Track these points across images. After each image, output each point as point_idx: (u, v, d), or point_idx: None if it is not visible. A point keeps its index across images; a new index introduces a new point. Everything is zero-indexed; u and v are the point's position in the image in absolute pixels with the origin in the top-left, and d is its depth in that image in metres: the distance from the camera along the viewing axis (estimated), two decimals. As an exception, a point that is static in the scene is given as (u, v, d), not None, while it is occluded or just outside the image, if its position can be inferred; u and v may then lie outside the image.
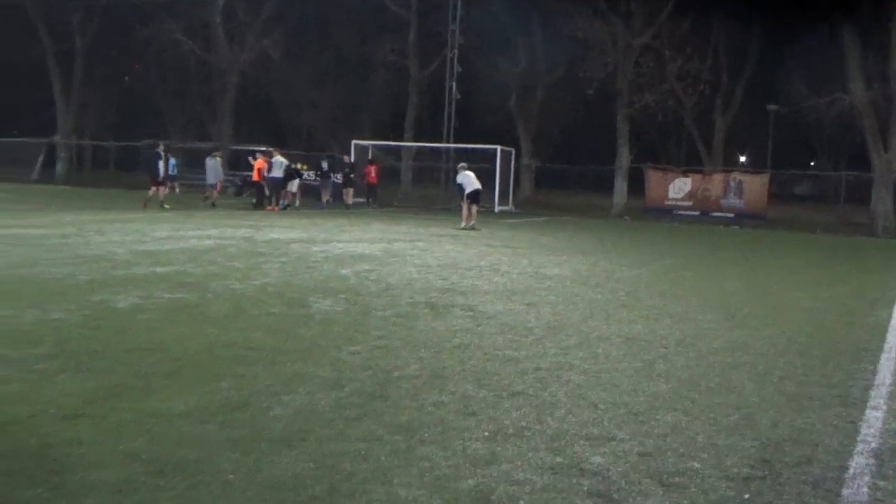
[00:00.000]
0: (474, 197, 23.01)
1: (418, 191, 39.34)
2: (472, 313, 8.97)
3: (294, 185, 28.78)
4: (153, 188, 25.55)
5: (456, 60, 37.86)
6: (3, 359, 6.08)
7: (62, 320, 7.53)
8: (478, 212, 23.52)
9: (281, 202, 28.11)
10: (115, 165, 51.07)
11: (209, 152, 30.61)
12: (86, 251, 12.90)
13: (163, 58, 47.66)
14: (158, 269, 11.17)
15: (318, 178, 32.41)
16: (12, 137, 42.96)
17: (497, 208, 32.57)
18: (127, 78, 52.10)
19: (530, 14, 40.23)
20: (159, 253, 13.14)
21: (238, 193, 35.47)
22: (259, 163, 28.51)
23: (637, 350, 7.53)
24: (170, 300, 8.86)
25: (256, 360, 6.39)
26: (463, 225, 22.69)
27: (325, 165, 31.87)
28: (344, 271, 11.99)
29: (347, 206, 30.81)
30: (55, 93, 46.31)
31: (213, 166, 28.38)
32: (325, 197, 31.08)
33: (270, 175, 28.05)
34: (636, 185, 36.29)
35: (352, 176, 32.25)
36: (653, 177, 35.21)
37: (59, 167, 45.04)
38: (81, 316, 7.76)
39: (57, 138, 44.70)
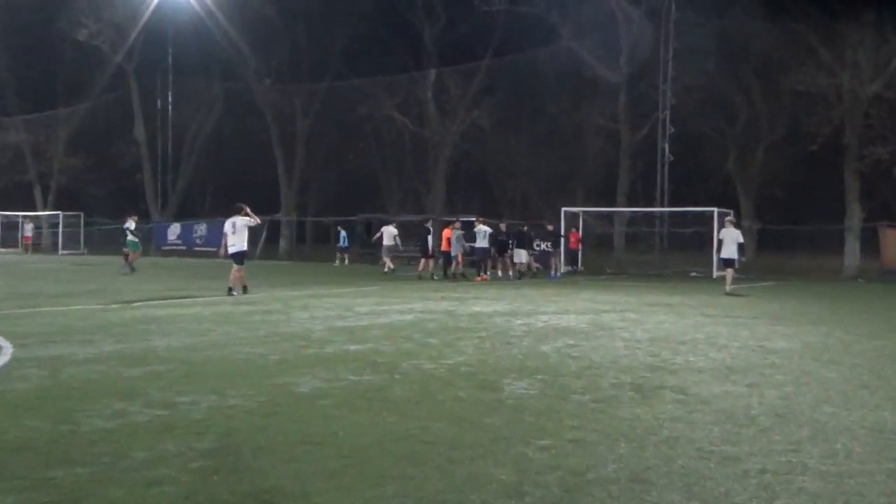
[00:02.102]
0: (725, 261, 22.86)
1: (632, 257, 38.00)
2: (683, 397, 7.89)
3: (523, 256, 28.80)
4: (423, 261, 28.22)
5: (668, 122, 36.54)
6: (162, 455, 5.62)
7: (236, 407, 7.09)
8: (730, 279, 22.97)
9: (501, 273, 28.27)
10: (334, 240, 52.71)
11: (421, 224, 31.03)
12: (285, 328, 12.72)
13: (379, 134, 49.13)
14: (351, 348, 10.74)
15: (549, 247, 31.78)
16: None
17: (716, 273, 30.77)
18: (351, 157, 53.96)
19: (746, 70, 38.46)
20: (356, 329, 12.79)
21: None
22: (447, 232, 28.66)
23: (886, 445, 6.24)
24: (354, 383, 8.30)
25: (430, 458, 5.64)
26: (727, 289, 22.44)
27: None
28: (544, 347, 11.15)
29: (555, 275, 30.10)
30: (279, 173, 48.51)
31: (458, 238, 28.65)
32: (554, 268, 30.49)
33: (478, 245, 27.89)
34: (870, 244, 33.47)
35: (560, 240, 31.56)
36: (890, 235, 32.32)
37: (282, 243, 46.89)
38: (258, 402, 7.31)
39: (280, 216, 46.58)
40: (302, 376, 8.56)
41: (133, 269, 27.64)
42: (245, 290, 18.91)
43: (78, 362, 9.25)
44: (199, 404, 7.18)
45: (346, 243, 38.60)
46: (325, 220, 47.70)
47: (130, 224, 29.41)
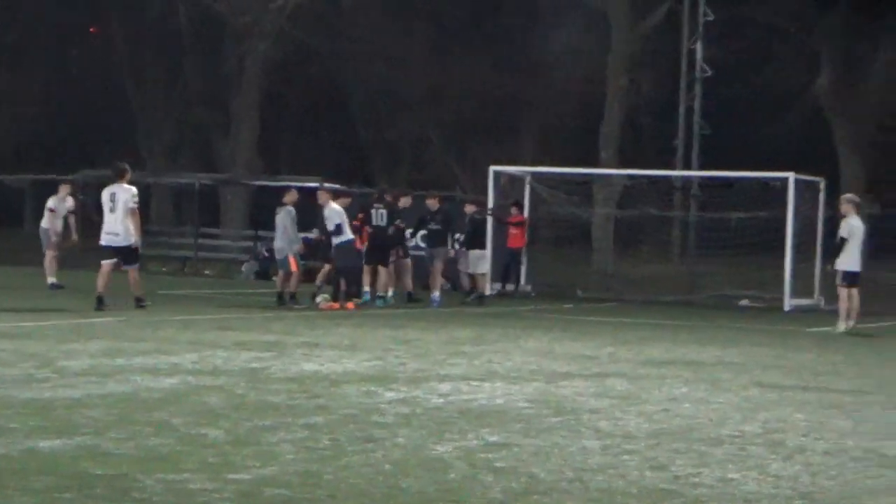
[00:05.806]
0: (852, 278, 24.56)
1: (627, 267, 38.48)
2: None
3: (486, 262, 29.72)
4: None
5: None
6: None
7: None
8: (854, 309, 24.83)
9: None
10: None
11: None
12: None
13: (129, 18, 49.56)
14: (42, 445, 10.38)
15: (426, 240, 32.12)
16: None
17: (789, 303, 31.24)
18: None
19: None
20: (58, 405, 12.56)
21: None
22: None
23: None
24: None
25: None
26: (841, 328, 24.44)
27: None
28: (440, 448, 11.00)
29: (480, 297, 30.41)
30: None
31: (290, 223, 30.03)
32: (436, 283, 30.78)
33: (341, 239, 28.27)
34: None
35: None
36: None
37: None
38: None
39: None
40: None
41: None
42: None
43: None
44: None
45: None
46: (12, 178, 47.82)
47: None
